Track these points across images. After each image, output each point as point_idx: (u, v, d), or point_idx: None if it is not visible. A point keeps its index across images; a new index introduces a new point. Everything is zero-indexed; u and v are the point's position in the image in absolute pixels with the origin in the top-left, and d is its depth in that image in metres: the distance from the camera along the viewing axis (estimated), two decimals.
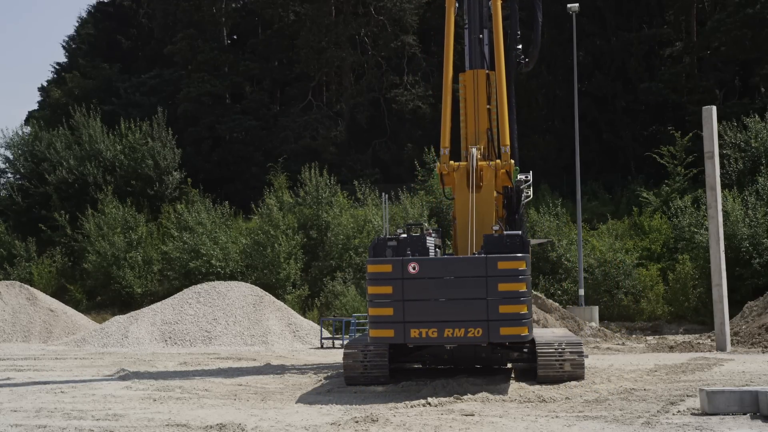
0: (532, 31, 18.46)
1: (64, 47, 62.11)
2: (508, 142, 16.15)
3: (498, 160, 16.19)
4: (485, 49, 17.13)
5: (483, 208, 15.75)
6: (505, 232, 14.37)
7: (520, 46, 18.17)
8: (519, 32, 18.13)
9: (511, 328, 13.32)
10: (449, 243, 20.62)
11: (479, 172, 15.88)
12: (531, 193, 18.01)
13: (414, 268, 13.48)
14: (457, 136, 16.99)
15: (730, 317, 23.12)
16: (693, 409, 11.21)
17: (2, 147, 45.98)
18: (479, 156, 16.07)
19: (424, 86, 47.97)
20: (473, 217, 15.39)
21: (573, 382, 14.30)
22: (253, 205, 39.03)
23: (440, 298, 13.43)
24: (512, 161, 16.18)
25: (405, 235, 14.32)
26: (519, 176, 16.94)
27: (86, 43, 58.96)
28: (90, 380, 16.48)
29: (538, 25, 18.36)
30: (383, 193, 17.82)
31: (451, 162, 16.27)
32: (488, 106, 16.90)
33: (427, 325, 13.39)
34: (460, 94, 17.24)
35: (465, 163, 16.26)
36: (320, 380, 16.18)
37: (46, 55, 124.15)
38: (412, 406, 12.14)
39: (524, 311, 13.40)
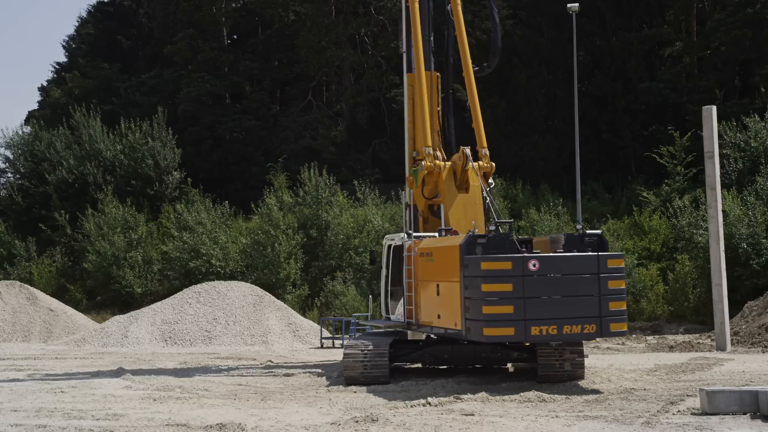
0: (492, 33, 18.50)
1: (64, 47, 62.13)
2: (485, 144, 16.41)
3: (480, 162, 16.46)
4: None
5: (473, 209, 15.96)
6: (587, 231, 14.59)
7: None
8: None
9: (618, 323, 13.81)
10: None
11: (467, 174, 16.15)
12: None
13: (534, 266, 13.46)
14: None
15: (730, 317, 23.11)
16: (693, 408, 11.21)
17: (2, 147, 45.99)
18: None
19: None
20: (481, 217, 15.52)
21: (573, 382, 14.31)
22: (253, 205, 38.98)
23: (556, 295, 13.50)
24: (492, 164, 16.43)
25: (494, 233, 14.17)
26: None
27: (86, 43, 58.92)
28: (90, 380, 16.47)
29: (496, 26, 18.35)
30: (400, 190, 18.03)
31: (437, 161, 16.52)
32: (438, 108, 17.13)
33: (547, 323, 13.43)
34: (407, 96, 17.49)
35: (450, 163, 16.51)
36: (320, 380, 16.18)
37: (46, 55, 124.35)
38: (412, 406, 12.14)
39: (625, 307, 14.03)
